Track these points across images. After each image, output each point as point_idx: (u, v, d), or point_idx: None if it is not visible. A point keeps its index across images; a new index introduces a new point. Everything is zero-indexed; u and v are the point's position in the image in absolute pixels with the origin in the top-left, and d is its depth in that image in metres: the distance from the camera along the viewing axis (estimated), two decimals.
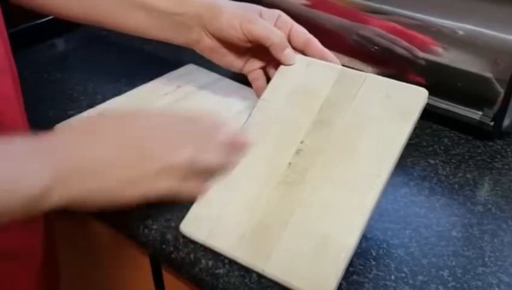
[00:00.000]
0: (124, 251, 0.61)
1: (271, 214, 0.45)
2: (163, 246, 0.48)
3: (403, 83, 0.48)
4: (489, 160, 0.57)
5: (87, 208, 0.41)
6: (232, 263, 0.45)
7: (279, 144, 0.48)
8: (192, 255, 0.47)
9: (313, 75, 0.51)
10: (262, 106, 0.51)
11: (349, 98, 0.48)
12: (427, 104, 0.60)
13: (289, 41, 0.55)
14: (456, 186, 0.54)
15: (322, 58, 0.54)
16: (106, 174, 0.41)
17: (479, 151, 0.59)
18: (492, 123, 0.57)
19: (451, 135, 0.61)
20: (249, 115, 0.51)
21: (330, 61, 0.54)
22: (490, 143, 0.60)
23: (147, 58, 0.77)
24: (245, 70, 0.60)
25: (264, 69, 0.59)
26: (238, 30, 0.54)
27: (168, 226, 0.49)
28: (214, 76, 0.68)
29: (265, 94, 0.52)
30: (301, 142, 0.47)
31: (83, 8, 0.59)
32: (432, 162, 0.56)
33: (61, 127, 0.42)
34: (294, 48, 0.55)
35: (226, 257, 0.45)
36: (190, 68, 0.70)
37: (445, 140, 0.60)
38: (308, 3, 0.69)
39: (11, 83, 0.50)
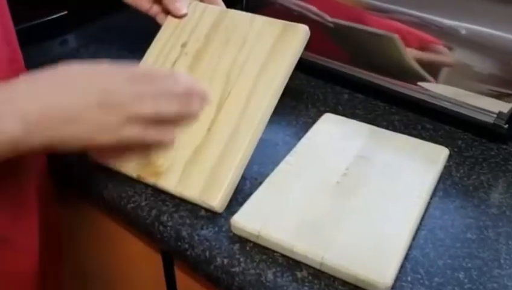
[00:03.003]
0: (135, 248, 0.61)
1: (325, 215, 0.48)
2: (179, 243, 0.48)
3: (429, 143, 0.57)
4: (502, 162, 0.57)
5: (66, 151, 0.43)
6: (248, 261, 0.45)
7: (326, 167, 0.53)
8: (207, 253, 0.47)
9: (348, 128, 0.59)
10: (307, 143, 0.57)
11: (382, 150, 0.56)
12: (440, 106, 0.61)
13: None
14: (471, 188, 0.54)
15: (211, 3, 0.61)
16: (74, 121, 0.42)
17: (493, 153, 0.59)
18: (506, 126, 0.57)
19: (465, 137, 0.61)
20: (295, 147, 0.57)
21: (219, 5, 0.60)
22: (504, 146, 0.60)
23: None
24: (152, 13, 0.64)
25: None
26: None
27: (183, 223, 0.49)
28: (211, 14, 0.61)
29: (309, 134, 0.58)
30: (346, 168, 0.53)
31: None
32: (446, 164, 0.56)
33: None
34: None
35: (241, 255, 0.46)
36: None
37: (459, 142, 0.60)
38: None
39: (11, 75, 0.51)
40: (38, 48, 0.79)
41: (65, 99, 0.42)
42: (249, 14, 0.58)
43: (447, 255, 0.46)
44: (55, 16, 0.81)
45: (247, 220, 0.47)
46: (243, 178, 0.53)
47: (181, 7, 0.60)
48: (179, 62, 0.58)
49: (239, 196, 0.52)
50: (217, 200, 0.49)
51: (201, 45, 0.58)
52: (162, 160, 0.52)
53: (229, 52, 0.56)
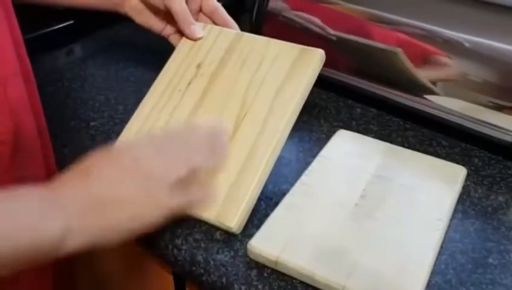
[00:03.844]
0: (147, 270, 0.60)
1: (345, 240, 0.47)
2: (194, 268, 0.47)
3: (446, 162, 0.56)
4: None
5: (111, 243, 0.41)
6: (266, 288, 0.44)
7: (343, 188, 0.52)
8: (224, 279, 0.46)
9: (364, 146, 0.59)
10: (322, 161, 0.56)
11: (399, 169, 0.55)
12: (456, 123, 0.60)
13: (201, 10, 0.62)
14: (489, 209, 0.53)
15: (225, 26, 0.61)
16: (117, 208, 0.41)
17: (510, 172, 0.58)
18: None
19: (481, 154, 0.60)
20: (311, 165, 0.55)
21: (232, 26, 0.61)
22: None
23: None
24: (165, 33, 0.65)
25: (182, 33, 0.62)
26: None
27: (198, 247, 0.48)
28: (225, 40, 0.61)
29: (324, 151, 0.57)
30: (363, 189, 0.52)
31: None
32: (464, 183, 0.55)
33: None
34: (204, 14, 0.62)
35: (259, 282, 0.45)
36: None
37: (476, 160, 0.59)
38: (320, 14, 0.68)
39: (23, 87, 0.50)
40: (45, 57, 0.78)
41: (104, 189, 0.41)
42: (265, 38, 0.58)
43: (470, 282, 0.45)
44: (61, 26, 0.80)
45: (264, 244, 0.46)
46: (258, 198, 0.52)
47: (197, 30, 0.60)
48: (194, 83, 0.57)
49: (254, 218, 0.51)
50: (234, 221, 0.48)
51: (216, 67, 0.57)
52: None
53: (245, 74, 0.56)
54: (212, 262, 0.47)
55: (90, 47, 0.82)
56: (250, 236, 0.47)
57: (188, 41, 0.61)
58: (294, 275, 0.45)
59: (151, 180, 0.42)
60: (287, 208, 0.50)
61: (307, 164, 0.56)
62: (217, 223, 0.49)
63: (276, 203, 0.51)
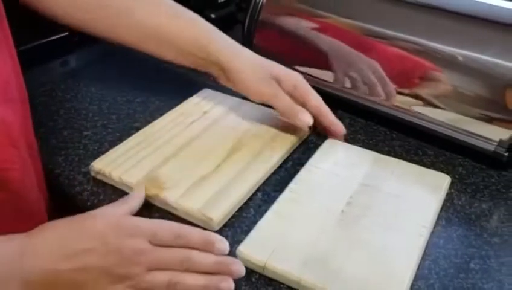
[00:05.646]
0: None
1: (331, 246, 0.48)
2: None
3: (431, 171, 0.58)
4: (503, 190, 0.58)
5: None
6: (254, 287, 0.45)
7: (330, 196, 0.54)
8: None
9: (351, 155, 0.60)
10: (311, 169, 0.58)
11: (386, 178, 0.56)
12: (441, 133, 0.62)
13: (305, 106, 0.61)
14: (473, 216, 0.54)
15: (330, 125, 0.62)
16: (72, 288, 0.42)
17: (493, 181, 0.59)
18: (507, 154, 0.58)
19: (465, 163, 0.62)
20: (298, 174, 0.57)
21: (335, 129, 0.62)
22: (504, 173, 0.60)
23: (160, 76, 0.77)
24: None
25: None
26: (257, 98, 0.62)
27: None
28: (235, 100, 0.69)
29: (313, 160, 0.59)
30: (350, 197, 0.54)
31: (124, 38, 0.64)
32: (448, 191, 0.56)
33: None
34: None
35: (247, 287, 0.46)
36: (208, 93, 0.71)
37: (460, 168, 0.61)
38: (311, 26, 0.70)
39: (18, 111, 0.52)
40: (39, 68, 0.79)
41: (67, 263, 0.42)
42: (265, 108, 0.66)
43: (452, 287, 0.46)
44: (56, 37, 0.81)
45: (253, 250, 0.47)
46: (247, 205, 0.54)
47: (305, 118, 0.60)
48: (197, 122, 0.64)
49: (243, 224, 0.52)
50: (216, 214, 0.50)
51: (220, 115, 0.66)
52: (166, 179, 0.54)
53: (244, 124, 0.64)
54: None
55: (85, 58, 0.84)
56: (239, 242, 0.48)
57: (203, 93, 0.70)
58: (282, 280, 0.46)
59: (123, 281, 0.42)
60: (276, 215, 0.51)
61: (295, 172, 0.57)
62: (199, 216, 0.51)
63: (265, 211, 0.52)
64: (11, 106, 0.51)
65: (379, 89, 0.65)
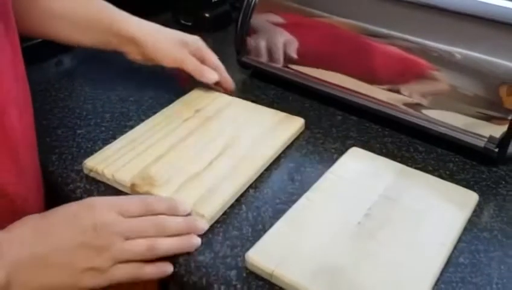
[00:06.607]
0: None
1: (344, 259, 0.47)
2: (176, 269, 0.49)
3: (458, 187, 0.56)
4: (493, 186, 0.58)
5: None
6: (245, 287, 0.46)
7: (348, 206, 0.53)
8: (204, 280, 0.47)
9: (374, 165, 0.59)
10: (330, 178, 0.57)
11: (409, 191, 0.55)
12: (432, 129, 0.62)
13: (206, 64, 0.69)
14: None
15: (222, 82, 0.70)
16: (59, 271, 0.43)
17: (484, 176, 0.60)
18: (497, 150, 0.58)
19: (456, 159, 0.62)
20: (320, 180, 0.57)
21: (225, 85, 0.70)
22: (494, 169, 0.61)
23: (154, 75, 0.77)
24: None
25: None
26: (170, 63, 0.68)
27: None
28: (227, 98, 0.70)
29: (333, 168, 0.58)
30: (368, 208, 0.52)
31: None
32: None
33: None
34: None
35: (239, 282, 0.46)
36: (200, 92, 0.71)
37: (451, 165, 0.61)
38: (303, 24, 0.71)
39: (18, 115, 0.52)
40: (34, 68, 0.79)
41: (45, 245, 0.43)
42: (256, 105, 0.69)
43: (441, 281, 0.47)
44: None
45: (262, 257, 0.46)
46: (239, 202, 0.54)
47: (211, 75, 0.68)
48: (189, 120, 0.65)
49: (235, 221, 0.52)
50: (207, 211, 0.51)
51: (212, 114, 0.66)
52: (158, 177, 0.55)
53: (236, 124, 0.64)
54: (193, 264, 0.48)
55: (79, 58, 0.84)
56: (231, 239, 0.49)
57: (194, 92, 0.71)
58: None
59: (103, 253, 0.44)
60: (289, 222, 0.50)
61: (288, 169, 0.57)
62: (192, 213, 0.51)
63: (257, 207, 0.52)
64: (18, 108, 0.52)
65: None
